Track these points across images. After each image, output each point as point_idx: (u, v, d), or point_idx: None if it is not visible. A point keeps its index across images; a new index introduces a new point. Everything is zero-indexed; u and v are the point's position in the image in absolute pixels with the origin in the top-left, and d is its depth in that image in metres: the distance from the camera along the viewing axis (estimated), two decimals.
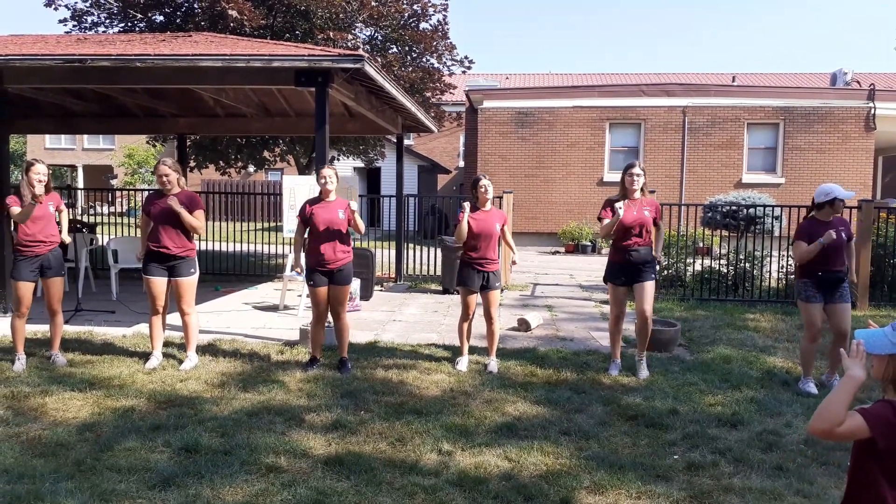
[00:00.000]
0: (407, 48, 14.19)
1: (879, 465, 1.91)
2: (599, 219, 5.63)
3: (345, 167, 19.36)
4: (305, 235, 5.67)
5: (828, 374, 5.56)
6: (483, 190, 5.69)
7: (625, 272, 5.57)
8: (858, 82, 23.11)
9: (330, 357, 5.84)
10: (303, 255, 5.73)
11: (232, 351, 6.10)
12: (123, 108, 10.94)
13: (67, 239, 5.77)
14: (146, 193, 6.02)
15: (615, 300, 5.68)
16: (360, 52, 7.22)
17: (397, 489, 3.41)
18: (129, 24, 13.14)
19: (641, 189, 5.59)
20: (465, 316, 5.82)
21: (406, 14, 13.85)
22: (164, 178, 5.50)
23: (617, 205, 5.46)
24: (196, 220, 5.52)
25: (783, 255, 9.39)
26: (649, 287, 5.54)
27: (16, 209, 5.34)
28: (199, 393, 4.87)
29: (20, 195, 5.38)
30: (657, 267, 5.79)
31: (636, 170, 5.56)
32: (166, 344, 6.02)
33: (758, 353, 6.40)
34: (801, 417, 4.61)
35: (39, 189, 5.25)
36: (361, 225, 5.67)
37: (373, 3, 12.88)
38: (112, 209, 21.01)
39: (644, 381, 5.40)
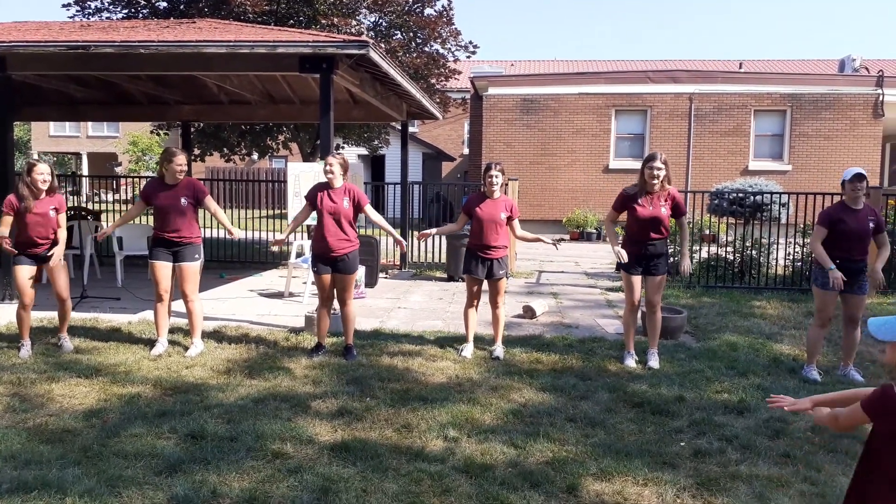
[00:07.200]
0: (411, 34, 14.11)
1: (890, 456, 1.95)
2: (614, 208, 5.61)
3: (349, 155, 19.28)
4: (310, 221, 5.64)
5: (842, 365, 5.35)
6: (492, 177, 5.65)
7: (640, 262, 5.50)
8: (867, 69, 22.88)
9: (335, 344, 5.84)
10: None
11: (237, 338, 6.10)
12: (128, 96, 10.91)
13: (61, 237, 5.53)
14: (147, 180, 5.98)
15: (630, 289, 5.57)
16: (365, 37, 7.16)
17: (403, 475, 3.41)
18: (133, 10, 13.11)
19: (662, 183, 5.36)
20: (471, 303, 5.81)
21: (411, 0, 13.75)
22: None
23: (616, 249, 5.47)
24: (221, 213, 5.69)
25: (790, 243, 9.35)
26: (661, 280, 5.54)
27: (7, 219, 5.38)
28: (204, 379, 4.88)
29: (19, 195, 5.31)
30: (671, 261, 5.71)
31: (657, 163, 5.30)
32: (172, 331, 6.03)
33: (764, 340, 6.37)
34: None
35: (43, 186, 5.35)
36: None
37: None
38: (116, 196, 21.03)
39: (653, 370, 5.37)
